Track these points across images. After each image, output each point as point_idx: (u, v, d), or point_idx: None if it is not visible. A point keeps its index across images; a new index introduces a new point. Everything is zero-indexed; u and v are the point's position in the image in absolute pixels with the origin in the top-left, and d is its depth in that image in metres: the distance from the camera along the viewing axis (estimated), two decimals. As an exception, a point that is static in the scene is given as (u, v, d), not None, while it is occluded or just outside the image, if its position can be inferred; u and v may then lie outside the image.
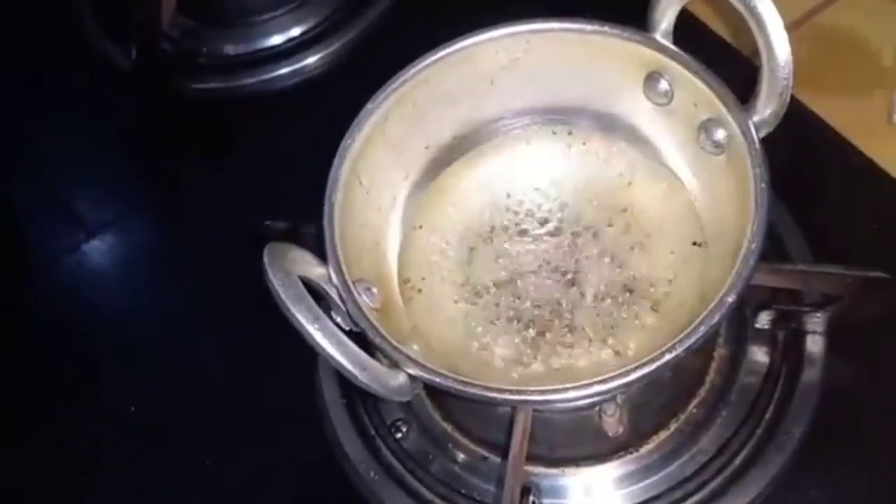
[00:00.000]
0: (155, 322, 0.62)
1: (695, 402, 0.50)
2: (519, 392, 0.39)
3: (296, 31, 0.74)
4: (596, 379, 0.38)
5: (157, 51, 0.69)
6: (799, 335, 0.51)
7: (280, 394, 0.56)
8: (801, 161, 0.55)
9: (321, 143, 0.47)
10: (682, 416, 0.50)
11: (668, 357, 0.38)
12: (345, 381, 0.45)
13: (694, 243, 0.47)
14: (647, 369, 0.38)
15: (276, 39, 0.74)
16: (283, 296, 0.36)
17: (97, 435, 0.58)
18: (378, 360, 0.41)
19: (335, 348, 0.37)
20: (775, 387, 0.50)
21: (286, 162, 0.66)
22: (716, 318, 0.39)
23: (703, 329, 0.38)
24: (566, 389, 0.38)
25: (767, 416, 0.49)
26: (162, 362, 0.60)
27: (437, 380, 0.39)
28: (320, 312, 0.37)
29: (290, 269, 0.38)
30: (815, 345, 0.51)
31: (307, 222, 0.51)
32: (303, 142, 0.66)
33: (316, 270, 0.43)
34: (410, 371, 0.40)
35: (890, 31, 0.67)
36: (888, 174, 0.59)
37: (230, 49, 0.74)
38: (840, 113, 0.60)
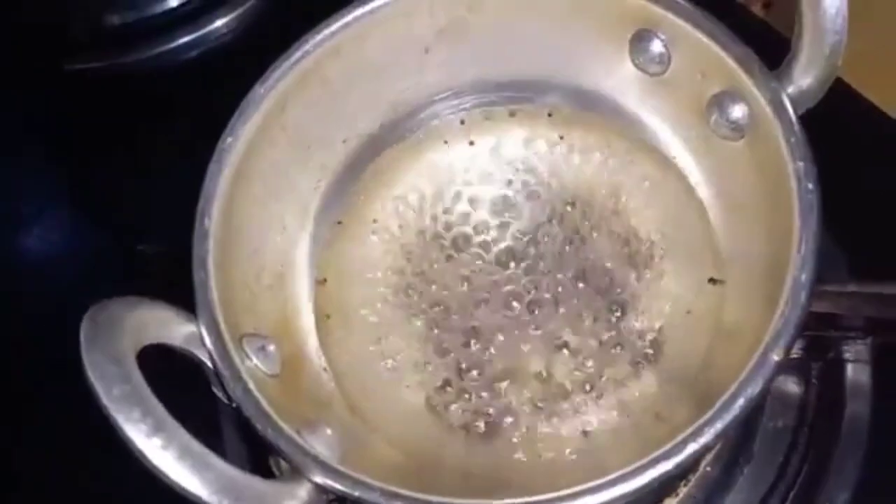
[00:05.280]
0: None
1: (708, 457, 0.40)
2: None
3: (198, -10, 0.65)
4: (583, 487, 0.26)
5: (14, 26, 0.57)
6: (838, 365, 0.42)
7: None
8: (829, 143, 0.44)
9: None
10: (693, 478, 0.40)
11: (691, 449, 0.27)
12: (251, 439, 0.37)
13: (711, 280, 0.36)
14: (658, 470, 0.26)
15: (173, 1, 0.63)
16: (103, 398, 0.24)
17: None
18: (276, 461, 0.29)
19: (191, 473, 0.24)
20: (811, 433, 0.41)
21: (183, 157, 0.54)
22: (759, 386, 0.28)
23: (740, 403, 0.27)
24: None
25: (803, 475, 0.40)
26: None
27: (357, 493, 0.27)
28: (164, 417, 0.24)
29: (123, 349, 0.26)
30: (858, 375, 0.42)
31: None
32: (207, 128, 0.54)
33: (181, 330, 0.31)
34: (317, 480, 0.28)
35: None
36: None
37: (114, 18, 0.63)
38: (876, 86, 0.48)
